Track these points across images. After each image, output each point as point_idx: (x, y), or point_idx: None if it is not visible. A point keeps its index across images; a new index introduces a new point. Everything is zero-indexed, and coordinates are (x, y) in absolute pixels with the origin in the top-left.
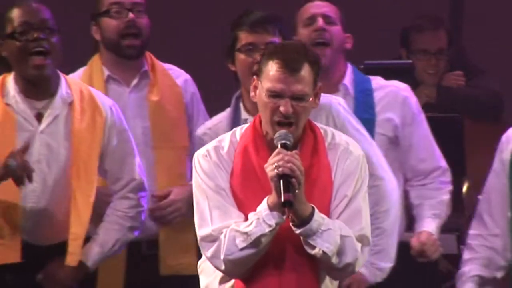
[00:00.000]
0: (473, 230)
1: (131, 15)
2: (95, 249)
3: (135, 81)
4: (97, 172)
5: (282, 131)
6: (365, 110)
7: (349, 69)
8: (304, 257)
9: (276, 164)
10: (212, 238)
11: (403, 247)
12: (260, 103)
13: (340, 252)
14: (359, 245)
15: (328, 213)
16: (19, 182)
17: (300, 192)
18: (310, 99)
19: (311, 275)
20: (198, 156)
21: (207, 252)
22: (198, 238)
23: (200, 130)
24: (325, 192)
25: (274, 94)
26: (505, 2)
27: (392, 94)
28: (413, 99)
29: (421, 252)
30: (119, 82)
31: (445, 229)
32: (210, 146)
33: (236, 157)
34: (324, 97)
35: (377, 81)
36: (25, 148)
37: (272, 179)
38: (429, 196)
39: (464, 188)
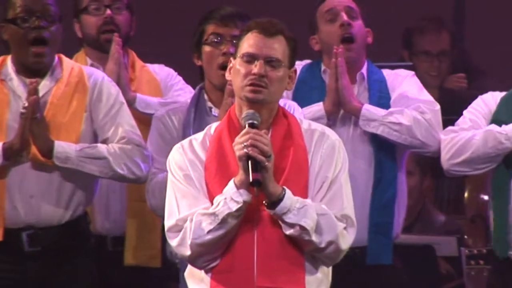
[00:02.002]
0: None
1: (108, 11)
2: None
3: None
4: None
5: (250, 111)
6: (380, 97)
7: (366, 62)
8: (289, 247)
9: (244, 144)
10: (177, 228)
11: (403, 249)
12: (234, 75)
13: (318, 230)
14: (341, 224)
15: (305, 194)
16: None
17: (269, 170)
18: (284, 71)
19: (296, 265)
20: (173, 150)
21: (172, 241)
22: (165, 229)
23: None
24: (301, 173)
25: (249, 55)
26: (508, 4)
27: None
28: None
29: None
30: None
31: (445, 231)
32: (184, 140)
33: (211, 144)
34: None
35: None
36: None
37: (241, 159)
38: None
39: (466, 193)
